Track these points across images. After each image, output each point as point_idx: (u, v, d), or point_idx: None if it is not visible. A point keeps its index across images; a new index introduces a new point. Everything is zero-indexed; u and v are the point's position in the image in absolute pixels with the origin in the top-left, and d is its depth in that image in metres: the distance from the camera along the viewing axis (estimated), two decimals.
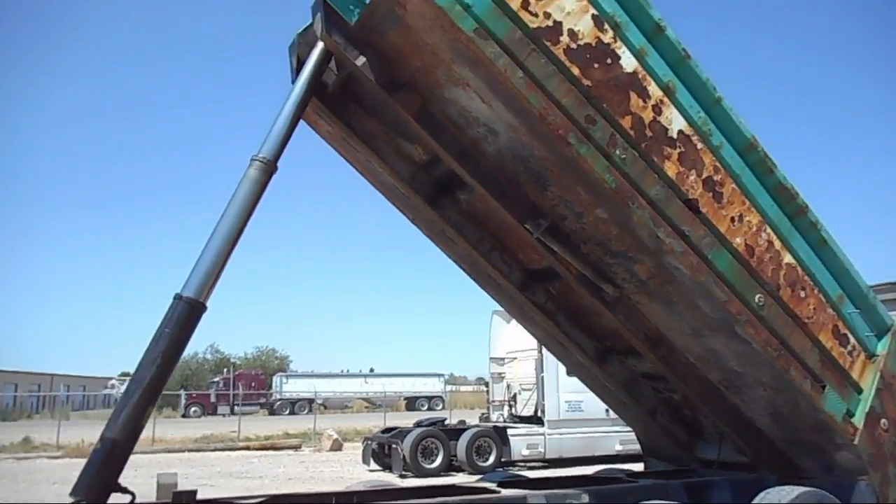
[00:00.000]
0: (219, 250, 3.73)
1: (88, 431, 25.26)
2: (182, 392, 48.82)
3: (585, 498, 4.32)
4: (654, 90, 4.12)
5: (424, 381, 59.48)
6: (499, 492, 4.61)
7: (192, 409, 47.36)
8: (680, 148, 4.15)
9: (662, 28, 4.18)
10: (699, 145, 4.24)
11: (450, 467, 14.30)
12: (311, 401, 53.15)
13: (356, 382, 59.08)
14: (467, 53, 3.64)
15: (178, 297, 3.59)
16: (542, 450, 14.84)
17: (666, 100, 4.16)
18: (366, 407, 57.10)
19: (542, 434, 14.84)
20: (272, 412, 50.82)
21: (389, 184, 5.21)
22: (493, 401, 17.10)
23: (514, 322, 17.83)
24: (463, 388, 69.66)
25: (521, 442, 14.67)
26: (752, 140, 4.41)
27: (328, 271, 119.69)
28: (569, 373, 6.27)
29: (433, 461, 14.09)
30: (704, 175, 4.22)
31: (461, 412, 38.86)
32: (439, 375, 62.41)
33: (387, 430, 15.66)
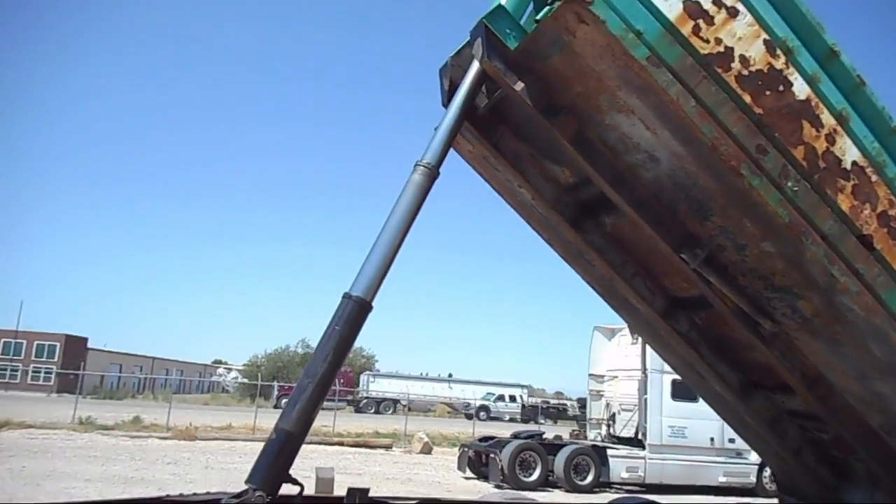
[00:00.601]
0: (385, 252, 3.84)
1: (192, 415, 26.75)
2: (275, 383, 50.71)
3: None
4: (828, 118, 3.92)
5: (507, 390, 59.27)
6: None
7: (284, 400, 49.06)
8: (854, 180, 3.93)
9: (837, 53, 3.97)
10: (873, 177, 3.99)
11: (545, 482, 14.16)
12: (396, 401, 54.20)
13: (440, 386, 59.61)
14: (637, 81, 3.58)
15: (347, 297, 3.72)
16: (642, 473, 14.47)
17: (839, 129, 3.94)
18: (448, 412, 57.52)
19: (643, 457, 14.45)
20: (358, 410, 51.97)
21: (528, 204, 5.22)
22: (591, 419, 16.82)
23: (616, 339, 17.55)
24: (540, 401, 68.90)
25: (621, 463, 14.37)
26: None
27: (420, 273, 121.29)
28: (707, 402, 6.05)
29: (530, 474, 14.01)
30: (879, 209, 3.97)
31: (541, 426, 38.49)
32: (523, 387, 62.09)
33: (484, 439, 15.71)
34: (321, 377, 3.58)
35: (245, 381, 56.85)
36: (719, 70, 3.68)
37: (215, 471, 14.61)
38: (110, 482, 11.63)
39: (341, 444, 23.49)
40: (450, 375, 62.20)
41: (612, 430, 15.93)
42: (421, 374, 61.71)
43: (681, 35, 3.60)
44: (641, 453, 14.46)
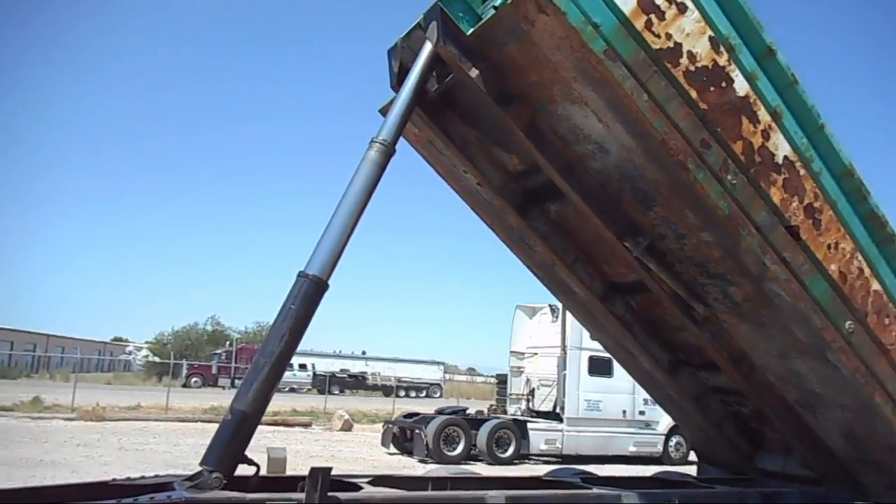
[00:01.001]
0: (341, 230, 3.80)
1: (97, 395, 25.60)
2: (184, 362, 49.08)
3: (676, 500, 4.43)
4: (763, 115, 4.14)
5: (423, 367, 59.76)
6: (590, 488, 4.66)
7: (193, 379, 47.72)
8: (784, 174, 4.19)
9: (774, 51, 4.19)
10: (801, 171, 4.27)
11: (468, 456, 14.50)
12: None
13: (356, 364, 59.35)
14: (594, 74, 3.66)
15: (302, 275, 3.66)
16: (560, 445, 15.04)
17: (774, 125, 4.18)
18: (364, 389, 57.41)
19: (561, 430, 15.02)
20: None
21: (473, 189, 5.26)
22: (511, 394, 17.27)
23: (537, 317, 18.04)
24: (457, 378, 70.12)
25: (540, 436, 14.87)
26: (849, 166, 4.44)
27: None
28: (635, 378, 6.35)
29: (454, 449, 14.28)
30: (806, 202, 4.26)
31: (458, 402, 39.24)
32: (438, 363, 62.65)
33: (409, 416, 15.84)
34: (277, 357, 3.53)
35: (157, 359, 54.63)
36: (669, 65, 3.81)
37: (130, 452, 14.03)
38: (17, 466, 10.97)
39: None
40: (363, 353, 61.95)
41: (531, 405, 16.44)
42: (335, 352, 61.26)
43: (634, 29, 3.70)
44: (559, 426, 15.04)
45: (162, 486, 3.49)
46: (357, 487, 3.94)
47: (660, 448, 16.58)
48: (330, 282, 3.77)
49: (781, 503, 5.06)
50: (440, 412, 15.60)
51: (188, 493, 3.23)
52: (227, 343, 57.70)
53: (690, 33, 3.92)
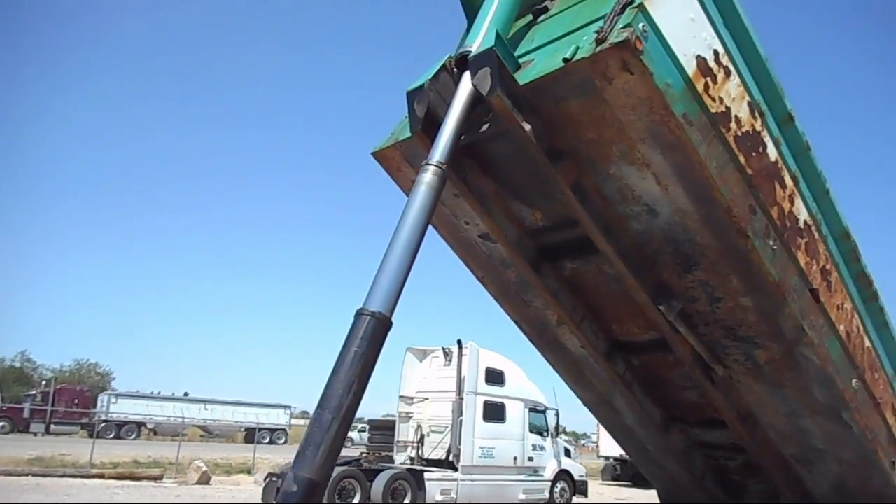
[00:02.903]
0: (401, 260, 3.30)
1: None
2: None
3: None
4: (788, 180, 4.27)
5: (269, 412, 56.71)
6: None
7: (1, 424, 41.56)
8: (806, 238, 4.33)
9: (793, 118, 4.35)
10: (816, 235, 4.44)
11: None
12: (140, 424, 48.84)
13: (194, 408, 55.15)
14: (668, 137, 3.54)
15: (365, 313, 3.13)
16: (455, 495, 14.67)
17: (795, 189, 4.32)
18: (201, 436, 53.52)
19: (456, 479, 14.68)
20: (95, 434, 45.79)
21: (470, 241, 4.95)
22: (399, 441, 16.65)
23: (428, 360, 17.67)
24: (301, 423, 67.11)
25: (436, 486, 14.38)
26: (847, 229, 4.70)
27: (168, 285, 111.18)
28: (611, 433, 6.26)
29: (349, 502, 13.42)
30: (821, 264, 4.42)
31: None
32: (285, 407, 59.73)
33: None
34: (346, 410, 2.95)
35: None
36: (723, 130, 3.79)
37: None
38: None
39: (101, 476, 20.30)
40: (185, 394, 57.57)
41: (420, 453, 15.95)
42: (173, 395, 56.56)
43: (696, 92, 3.64)
44: (454, 475, 14.66)
45: None
46: None
47: (546, 494, 16.80)
48: (393, 319, 3.25)
49: None
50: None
51: None
52: (43, 383, 51.07)
53: (735, 98, 3.94)
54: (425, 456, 15.79)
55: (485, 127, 4.05)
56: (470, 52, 3.85)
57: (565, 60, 3.50)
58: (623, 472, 27.95)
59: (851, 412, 4.42)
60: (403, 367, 16.54)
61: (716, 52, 3.84)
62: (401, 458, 16.20)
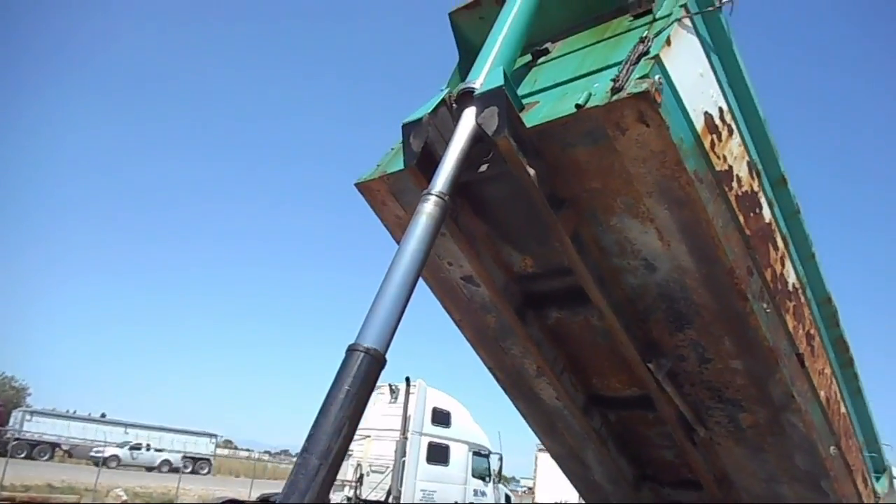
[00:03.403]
0: (398, 293, 3.04)
1: None
2: None
3: None
4: (779, 241, 4.25)
5: (195, 440, 54.27)
6: None
7: None
8: (794, 301, 4.29)
9: (786, 180, 4.35)
10: (802, 298, 4.42)
11: None
12: (55, 445, 45.93)
13: (116, 431, 52.37)
14: (677, 193, 3.44)
15: (358, 349, 2.84)
16: None
17: (786, 252, 4.30)
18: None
19: None
20: (8, 454, 42.66)
21: (452, 283, 4.75)
22: (337, 480, 16.04)
23: (372, 397, 17.08)
24: (242, 454, 64.58)
25: None
26: (829, 293, 4.71)
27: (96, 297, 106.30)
28: (576, 487, 6.07)
29: None
30: (807, 328, 4.40)
31: (228, 479, 35.89)
32: (211, 436, 57.30)
33: (230, 503, 13.82)
34: (335, 456, 2.65)
35: None
36: (727, 189, 3.74)
37: None
38: None
39: (12, 500, 18.81)
40: (102, 416, 54.65)
41: (358, 493, 15.39)
42: (90, 416, 53.56)
43: (703, 149, 3.58)
44: None
45: None
46: None
47: None
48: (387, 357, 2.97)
49: None
50: (265, 500, 13.89)
51: None
52: None
53: (737, 157, 3.90)
54: (364, 497, 15.23)
55: (483, 167, 3.88)
56: (473, 88, 3.70)
57: (578, 106, 3.37)
58: None
59: (831, 481, 4.37)
60: None
61: (721, 110, 3.81)
62: (337, 499, 15.60)
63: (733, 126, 3.93)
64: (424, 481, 14.59)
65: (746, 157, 4.00)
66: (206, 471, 49.69)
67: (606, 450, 5.04)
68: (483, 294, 4.65)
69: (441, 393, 15.85)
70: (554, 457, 5.75)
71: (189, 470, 48.98)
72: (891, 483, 5.53)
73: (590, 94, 3.38)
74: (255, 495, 17.58)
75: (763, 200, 4.11)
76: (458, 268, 4.59)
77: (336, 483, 15.89)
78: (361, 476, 15.48)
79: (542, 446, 28.53)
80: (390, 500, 14.50)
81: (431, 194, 3.40)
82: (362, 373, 2.82)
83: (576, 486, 6.11)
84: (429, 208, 3.36)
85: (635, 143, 3.34)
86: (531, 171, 3.59)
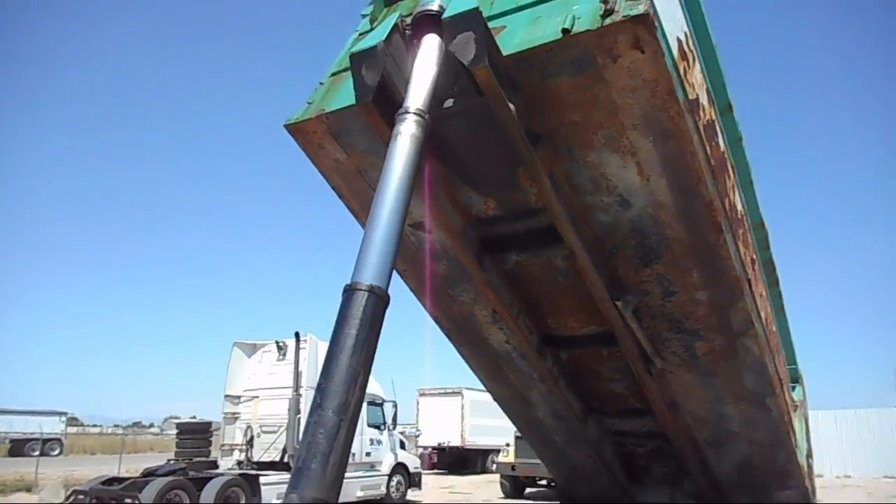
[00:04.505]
0: (390, 224, 2.72)
1: None
2: None
3: None
4: (731, 170, 4.28)
5: (39, 419, 49.74)
6: None
7: None
8: (741, 228, 4.38)
9: (732, 107, 4.37)
10: (745, 225, 4.54)
11: None
12: None
13: None
14: (666, 125, 3.29)
15: (361, 289, 2.52)
16: None
17: (735, 180, 4.36)
18: None
19: None
20: None
21: None
22: (224, 444, 15.24)
23: (258, 356, 16.28)
24: (93, 431, 60.13)
25: (272, 490, 13.36)
26: (762, 217, 4.88)
27: None
28: (516, 424, 6.08)
29: None
30: (751, 254, 4.53)
31: (84, 458, 33.54)
32: (60, 414, 52.80)
33: (107, 482, 12.68)
34: (353, 409, 2.33)
35: None
36: (696, 118, 3.65)
37: None
38: None
39: None
40: None
41: (249, 455, 14.74)
42: None
43: (680, 76, 3.44)
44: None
45: None
46: None
47: (384, 489, 16.52)
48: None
49: None
50: (150, 473, 12.93)
51: None
52: None
53: (700, 84, 3.83)
54: (256, 459, 14.66)
55: (449, 102, 3.50)
56: (433, 10, 3.30)
57: (565, 31, 3.08)
58: (440, 461, 28.74)
59: (776, 397, 4.61)
60: (230, 364, 15.17)
61: (686, 35, 3.69)
62: (227, 464, 14.91)
63: (695, 52, 3.84)
64: None
65: (706, 85, 3.94)
66: (56, 451, 45.95)
67: (557, 388, 5.01)
68: (434, 241, 4.35)
69: None
70: (496, 398, 5.67)
71: (37, 453, 45.09)
72: (803, 391, 6.04)
73: (574, 18, 3.10)
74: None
75: (718, 129, 4.10)
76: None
77: (224, 447, 15.20)
78: (252, 438, 14.88)
79: (423, 391, 29.25)
80: (285, 459, 14.05)
81: (410, 112, 3.02)
82: (369, 314, 2.49)
83: (516, 425, 6.11)
84: (410, 128, 2.98)
85: (626, 72, 3.12)
86: (511, 106, 3.28)
